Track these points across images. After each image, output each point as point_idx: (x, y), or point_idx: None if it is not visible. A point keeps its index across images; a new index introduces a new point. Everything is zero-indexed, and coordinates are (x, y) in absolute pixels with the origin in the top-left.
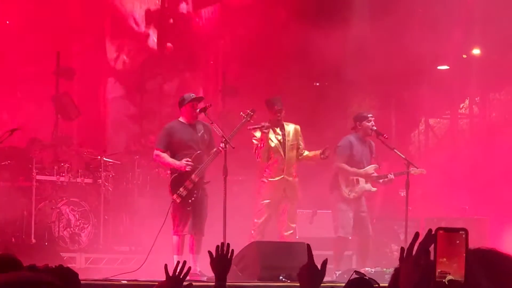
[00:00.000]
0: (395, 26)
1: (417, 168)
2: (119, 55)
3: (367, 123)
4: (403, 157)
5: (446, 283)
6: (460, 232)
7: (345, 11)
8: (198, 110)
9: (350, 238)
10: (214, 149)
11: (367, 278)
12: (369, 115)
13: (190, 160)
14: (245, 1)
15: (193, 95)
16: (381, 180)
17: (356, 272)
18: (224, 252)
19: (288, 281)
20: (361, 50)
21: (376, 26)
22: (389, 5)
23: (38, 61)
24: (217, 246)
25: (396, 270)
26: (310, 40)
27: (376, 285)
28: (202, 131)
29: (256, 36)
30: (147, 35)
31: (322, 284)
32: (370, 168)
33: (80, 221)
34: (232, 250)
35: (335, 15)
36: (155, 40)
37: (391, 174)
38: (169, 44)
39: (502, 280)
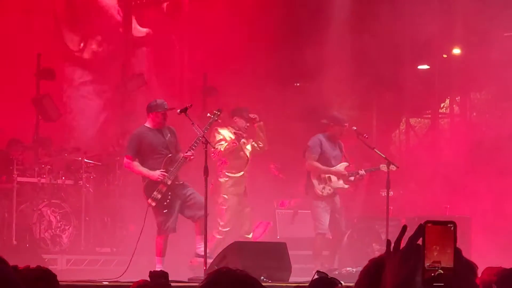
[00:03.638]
0: (375, 26)
1: (397, 167)
2: (86, 46)
3: (340, 128)
4: (384, 156)
5: (435, 276)
6: (449, 225)
7: (325, 10)
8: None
9: (330, 236)
10: (182, 155)
11: (330, 277)
12: (345, 124)
13: (164, 171)
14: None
15: (165, 105)
16: (352, 178)
17: (318, 272)
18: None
19: (270, 281)
20: (342, 50)
21: (357, 25)
22: (369, 5)
23: (18, 63)
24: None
25: (371, 260)
26: (291, 40)
27: (340, 285)
28: (169, 134)
29: (236, 36)
30: (120, 24)
31: (288, 284)
32: (341, 166)
33: (61, 223)
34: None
35: (315, 15)
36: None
37: (362, 170)
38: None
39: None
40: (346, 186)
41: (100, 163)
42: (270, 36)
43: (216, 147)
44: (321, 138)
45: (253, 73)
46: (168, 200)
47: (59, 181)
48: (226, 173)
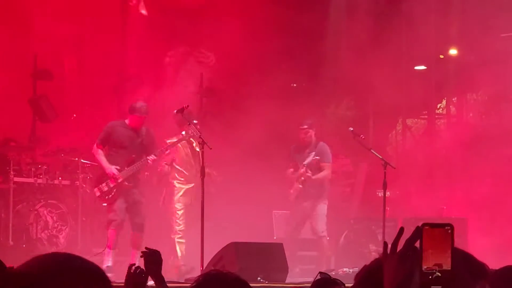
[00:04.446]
0: (372, 26)
1: (393, 167)
2: None
3: (298, 131)
4: (380, 157)
5: (433, 278)
6: (446, 228)
7: (322, 10)
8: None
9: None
10: (146, 158)
11: (332, 278)
12: (300, 126)
13: (119, 168)
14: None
15: (143, 110)
16: (302, 178)
17: (321, 273)
18: (150, 255)
19: (266, 282)
20: (338, 51)
21: (353, 26)
22: (366, 5)
23: (15, 64)
24: (143, 252)
25: (364, 268)
26: (288, 41)
27: (342, 286)
28: (144, 137)
29: (234, 38)
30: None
31: (285, 285)
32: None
33: (58, 223)
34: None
35: (312, 15)
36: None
37: (303, 169)
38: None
39: (479, 275)
40: (299, 186)
41: (96, 164)
42: (268, 36)
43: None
44: (293, 147)
45: (250, 73)
46: (110, 196)
47: (56, 182)
48: (177, 183)
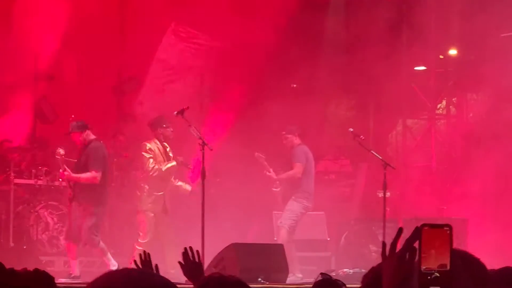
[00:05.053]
0: (372, 26)
1: (394, 168)
2: None
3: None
4: (380, 158)
5: (432, 279)
6: (445, 228)
7: (322, 10)
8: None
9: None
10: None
11: (334, 279)
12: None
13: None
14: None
15: (70, 129)
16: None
17: (322, 274)
18: (192, 257)
19: (267, 282)
20: (338, 51)
21: (353, 26)
22: (366, 6)
23: (16, 65)
24: (184, 253)
25: (371, 270)
26: (288, 41)
27: (344, 287)
28: (82, 155)
29: (234, 38)
30: None
31: (285, 286)
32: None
33: (58, 224)
34: (198, 251)
35: (311, 14)
36: None
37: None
38: None
39: (481, 277)
40: (274, 189)
41: None
42: (268, 36)
43: (150, 166)
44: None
45: (250, 74)
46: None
47: (56, 183)
48: (148, 190)
